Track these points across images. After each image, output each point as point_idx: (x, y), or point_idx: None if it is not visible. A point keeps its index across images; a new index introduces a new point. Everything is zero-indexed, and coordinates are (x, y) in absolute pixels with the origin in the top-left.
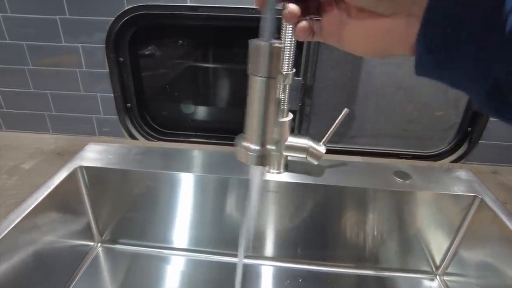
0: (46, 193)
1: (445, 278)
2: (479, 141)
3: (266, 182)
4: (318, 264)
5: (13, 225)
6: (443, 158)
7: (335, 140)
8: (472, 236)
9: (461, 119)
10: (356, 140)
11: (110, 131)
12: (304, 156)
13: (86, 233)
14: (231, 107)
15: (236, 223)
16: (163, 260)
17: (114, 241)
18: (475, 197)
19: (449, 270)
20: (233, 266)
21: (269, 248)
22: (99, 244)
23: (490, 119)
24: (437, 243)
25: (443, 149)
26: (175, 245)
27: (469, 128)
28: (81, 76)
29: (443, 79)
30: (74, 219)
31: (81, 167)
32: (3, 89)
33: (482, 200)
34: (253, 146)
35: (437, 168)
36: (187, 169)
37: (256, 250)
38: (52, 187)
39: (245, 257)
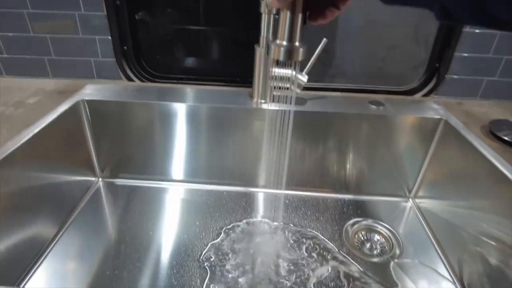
0: (48, 121)
1: (417, 200)
2: (446, 76)
3: (254, 111)
4: (300, 190)
5: (16, 146)
6: (414, 94)
7: (316, 79)
8: (439, 158)
9: (429, 55)
10: (336, 79)
11: (108, 75)
12: (288, 85)
13: (88, 168)
14: (224, 54)
15: (231, 153)
16: (162, 191)
17: (114, 175)
18: (440, 119)
19: (420, 193)
20: (227, 193)
21: (255, 176)
22: (100, 179)
23: (455, 54)
24: (409, 167)
25: (414, 85)
26: (173, 177)
27: (437, 64)
28: (80, 19)
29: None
30: (76, 154)
31: (83, 101)
32: (2, 34)
33: (446, 122)
34: (284, 43)
35: (408, 100)
36: (182, 100)
37: (243, 178)
38: (55, 116)
39: (234, 185)
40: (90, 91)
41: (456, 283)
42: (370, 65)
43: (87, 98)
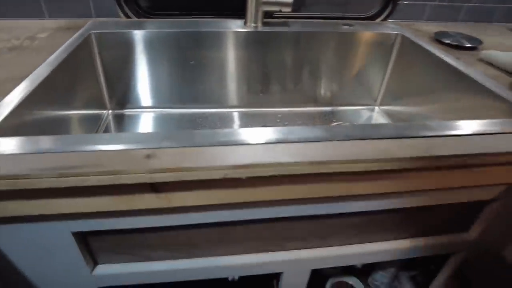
0: (70, 50)
1: (383, 107)
2: (399, 2)
3: (244, 34)
4: (281, 106)
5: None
6: (375, 19)
7: (295, 9)
8: (399, 68)
9: None
10: (312, 8)
11: (106, 14)
12: (278, 8)
13: (99, 101)
14: None
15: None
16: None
17: (122, 107)
18: (397, 34)
19: (385, 101)
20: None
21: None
22: (110, 112)
23: None
24: (374, 79)
25: (375, 11)
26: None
27: None
28: None
29: None
30: (87, 87)
31: (94, 33)
32: None
33: (403, 35)
34: None
35: (372, 22)
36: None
37: (227, 100)
38: (70, 50)
39: (220, 107)
40: (95, 26)
41: None
42: None
43: (96, 30)
